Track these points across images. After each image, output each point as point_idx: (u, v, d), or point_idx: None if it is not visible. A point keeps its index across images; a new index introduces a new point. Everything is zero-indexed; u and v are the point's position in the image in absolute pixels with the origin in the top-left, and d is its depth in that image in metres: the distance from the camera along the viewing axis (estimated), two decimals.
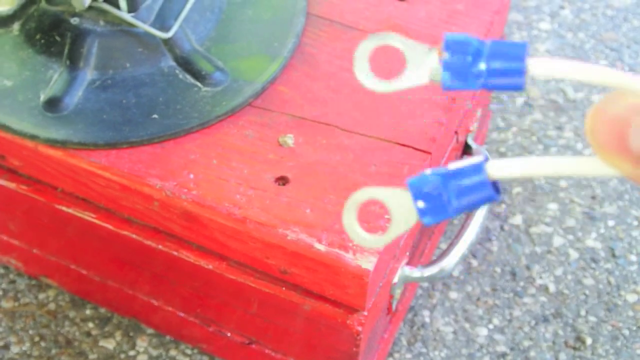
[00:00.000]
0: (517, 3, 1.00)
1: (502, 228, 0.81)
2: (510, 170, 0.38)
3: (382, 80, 0.39)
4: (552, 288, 0.77)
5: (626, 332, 0.75)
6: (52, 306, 0.75)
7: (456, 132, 0.68)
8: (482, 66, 0.37)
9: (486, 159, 0.38)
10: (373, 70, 0.39)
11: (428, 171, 0.39)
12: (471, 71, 0.37)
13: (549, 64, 0.37)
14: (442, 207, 0.38)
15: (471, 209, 0.39)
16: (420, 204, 0.38)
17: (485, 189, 0.38)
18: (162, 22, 0.65)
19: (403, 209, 0.39)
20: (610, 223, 0.82)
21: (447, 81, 0.38)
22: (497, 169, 0.38)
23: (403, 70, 0.39)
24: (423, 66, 0.38)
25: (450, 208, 0.38)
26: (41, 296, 0.76)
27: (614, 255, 0.79)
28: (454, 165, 0.39)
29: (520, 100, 0.91)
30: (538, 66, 0.37)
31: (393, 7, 0.70)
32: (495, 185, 0.38)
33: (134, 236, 0.63)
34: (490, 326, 0.75)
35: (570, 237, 0.81)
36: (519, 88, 0.38)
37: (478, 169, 0.38)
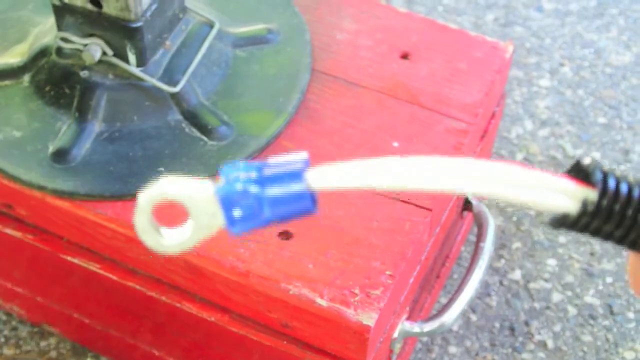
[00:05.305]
0: (518, 60, 1.01)
1: (501, 283, 0.82)
2: (331, 180, 0.34)
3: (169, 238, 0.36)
4: (550, 344, 0.78)
5: None
6: (53, 354, 0.76)
7: None
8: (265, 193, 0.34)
9: (306, 164, 0.34)
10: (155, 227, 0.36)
11: (240, 176, 0.34)
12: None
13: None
14: (253, 216, 0.34)
15: (286, 219, 0.35)
16: (229, 212, 0.34)
17: (304, 200, 0.34)
18: (170, 76, 0.66)
19: (207, 215, 0.35)
20: (609, 280, 0.82)
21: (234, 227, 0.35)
22: (318, 178, 0.34)
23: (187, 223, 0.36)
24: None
25: (262, 217, 0.35)
26: (43, 344, 0.76)
27: (612, 312, 0.80)
28: (273, 166, 0.34)
29: (520, 156, 0.92)
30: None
31: (396, 64, 0.72)
32: (313, 196, 0.35)
33: (137, 287, 0.64)
34: None
35: (569, 293, 0.81)
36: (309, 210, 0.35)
37: (297, 176, 0.34)
